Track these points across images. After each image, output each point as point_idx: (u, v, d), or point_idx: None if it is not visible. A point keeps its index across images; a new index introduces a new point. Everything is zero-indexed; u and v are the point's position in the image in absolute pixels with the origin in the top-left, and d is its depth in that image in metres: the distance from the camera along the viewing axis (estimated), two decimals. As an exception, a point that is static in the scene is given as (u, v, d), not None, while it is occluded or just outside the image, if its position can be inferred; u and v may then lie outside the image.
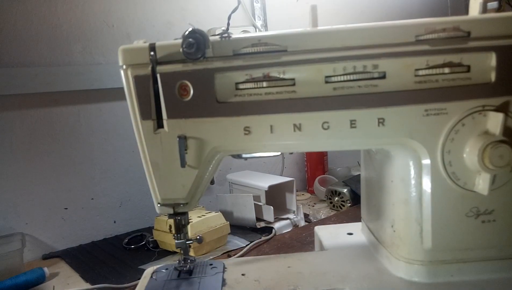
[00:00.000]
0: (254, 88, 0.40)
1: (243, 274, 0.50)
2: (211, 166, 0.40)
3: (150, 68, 0.38)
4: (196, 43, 0.37)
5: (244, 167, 1.20)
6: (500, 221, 0.45)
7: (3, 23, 0.89)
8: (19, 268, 0.81)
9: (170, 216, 0.45)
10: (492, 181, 0.43)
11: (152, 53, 0.38)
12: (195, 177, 0.38)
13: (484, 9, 0.45)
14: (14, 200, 0.92)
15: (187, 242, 0.48)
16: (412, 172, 0.45)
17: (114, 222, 1.05)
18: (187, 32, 0.38)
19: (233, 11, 1.22)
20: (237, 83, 0.39)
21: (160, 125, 0.37)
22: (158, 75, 0.38)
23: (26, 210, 0.94)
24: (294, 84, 0.41)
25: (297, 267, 0.52)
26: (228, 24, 1.31)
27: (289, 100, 0.40)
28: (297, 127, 0.39)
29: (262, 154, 0.43)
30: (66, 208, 0.99)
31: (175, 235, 0.47)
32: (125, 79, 0.39)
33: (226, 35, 0.40)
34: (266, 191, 0.98)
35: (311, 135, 0.41)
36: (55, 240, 0.97)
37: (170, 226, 0.86)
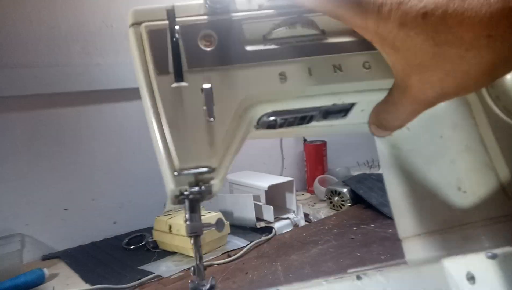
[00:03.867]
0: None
1: None
2: (243, 122, 0.32)
3: (167, 23, 0.32)
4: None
5: (244, 167, 1.20)
6: None
7: (2, 24, 0.89)
8: (18, 269, 0.80)
9: (181, 199, 0.33)
10: None
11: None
12: (225, 133, 0.31)
13: None
14: (14, 201, 0.92)
15: (203, 228, 0.34)
16: (463, 114, 0.37)
17: (114, 223, 1.05)
18: None
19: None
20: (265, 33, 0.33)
21: (179, 79, 0.31)
22: (177, 27, 0.32)
23: (26, 211, 0.93)
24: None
25: None
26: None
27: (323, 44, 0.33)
28: (337, 67, 0.32)
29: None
30: (66, 209, 0.98)
31: (188, 215, 0.33)
32: (135, 37, 0.32)
33: None
34: (266, 191, 0.98)
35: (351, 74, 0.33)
36: (54, 241, 0.97)
37: (170, 226, 0.86)
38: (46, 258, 0.93)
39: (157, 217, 0.90)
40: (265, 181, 1.00)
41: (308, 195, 1.27)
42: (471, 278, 0.27)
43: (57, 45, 0.96)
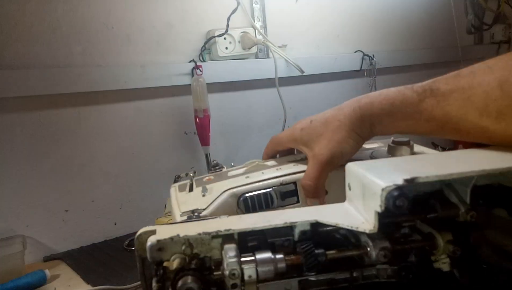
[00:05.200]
0: None
1: None
2: (224, 195, 0.52)
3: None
4: None
5: (244, 167, 1.20)
6: None
7: (3, 25, 0.89)
8: (20, 270, 0.81)
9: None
10: None
11: None
12: (211, 200, 0.52)
13: None
14: (14, 203, 0.92)
15: None
16: None
17: (115, 224, 1.05)
18: None
19: (233, 12, 1.22)
20: None
21: (190, 191, 0.57)
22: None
23: (26, 212, 0.94)
24: None
25: None
26: (228, 25, 1.30)
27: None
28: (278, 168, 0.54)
29: None
30: (66, 210, 0.99)
31: None
32: (173, 192, 0.58)
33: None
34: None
35: None
36: (56, 242, 0.97)
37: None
38: (48, 259, 0.93)
39: (157, 218, 0.90)
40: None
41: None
42: (350, 188, 0.37)
43: (58, 46, 0.96)
